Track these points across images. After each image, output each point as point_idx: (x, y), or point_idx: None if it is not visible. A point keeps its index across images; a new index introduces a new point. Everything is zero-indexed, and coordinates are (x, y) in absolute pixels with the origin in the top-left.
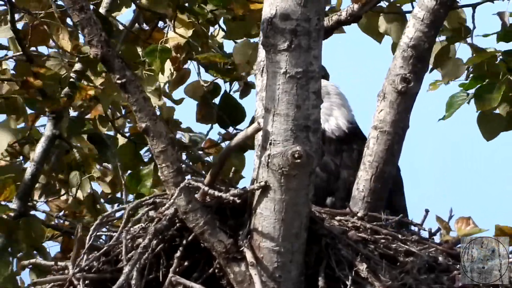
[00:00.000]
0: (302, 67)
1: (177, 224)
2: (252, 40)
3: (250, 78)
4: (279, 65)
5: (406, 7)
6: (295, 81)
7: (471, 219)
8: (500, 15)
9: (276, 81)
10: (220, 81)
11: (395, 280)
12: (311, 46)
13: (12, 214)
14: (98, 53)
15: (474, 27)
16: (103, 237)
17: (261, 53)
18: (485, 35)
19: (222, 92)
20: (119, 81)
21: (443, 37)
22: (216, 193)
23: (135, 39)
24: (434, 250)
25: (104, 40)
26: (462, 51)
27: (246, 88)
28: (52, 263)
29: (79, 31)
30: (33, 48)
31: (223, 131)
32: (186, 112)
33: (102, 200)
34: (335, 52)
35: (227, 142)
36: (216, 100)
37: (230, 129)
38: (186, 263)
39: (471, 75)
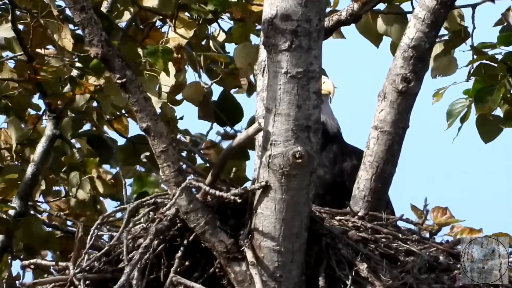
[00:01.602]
0: (303, 67)
1: (178, 224)
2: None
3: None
4: (280, 65)
5: (405, 7)
6: (296, 81)
7: (447, 209)
8: (505, 16)
9: (277, 81)
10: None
11: (395, 279)
12: (312, 46)
13: (12, 213)
14: (98, 52)
15: (474, 28)
16: (105, 237)
17: (262, 53)
18: (484, 45)
19: (221, 91)
20: (119, 81)
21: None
22: (217, 192)
23: (133, 39)
24: (435, 250)
25: (104, 39)
26: (461, 52)
27: (251, 87)
28: (53, 263)
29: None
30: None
31: (221, 130)
32: (186, 113)
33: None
34: (335, 52)
35: (226, 142)
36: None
37: (228, 129)
38: (187, 263)
39: (471, 77)
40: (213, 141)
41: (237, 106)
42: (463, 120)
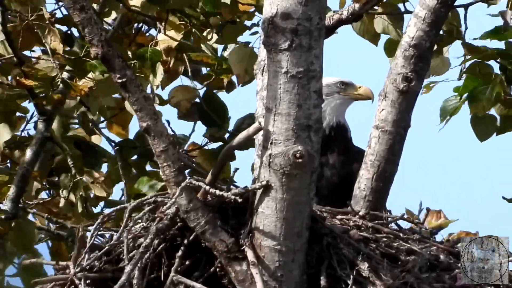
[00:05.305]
0: (303, 66)
1: (179, 224)
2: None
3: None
4: (280, 64)
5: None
6: (296, 81)
7: (441, 212)
8: (502, 14)
9: (278, 80)
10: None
11: (396, 279)
12: (312, 45)
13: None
14: (98, 52)
15: (466, 28)
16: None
17: (262, 52)
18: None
19: (204, 90)
20: (119, 81)
21: None
22: (218, 192)
23: (119, 42)
24: (436, 249)
25: (104, 39)
26: (455, 51)
27: (230, 85)
28: (54, 262)
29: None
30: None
31: (204, 131)
32: (167, 113)
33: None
34: (336, 52)
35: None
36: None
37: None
38: (187, 262)
39: (463, 75)
40: (196, 143)
41: (222, 106)
42: (452, 114)
